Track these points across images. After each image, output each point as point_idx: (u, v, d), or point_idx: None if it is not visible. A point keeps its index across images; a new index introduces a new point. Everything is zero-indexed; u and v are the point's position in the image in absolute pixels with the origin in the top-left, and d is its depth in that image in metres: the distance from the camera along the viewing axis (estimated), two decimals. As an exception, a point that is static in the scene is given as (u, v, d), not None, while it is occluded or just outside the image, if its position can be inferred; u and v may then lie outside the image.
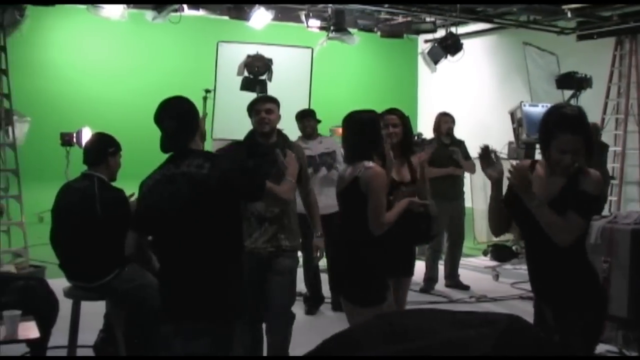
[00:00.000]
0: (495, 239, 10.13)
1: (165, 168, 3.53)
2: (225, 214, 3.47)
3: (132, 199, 5.09)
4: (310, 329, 6.12)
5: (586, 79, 11.20)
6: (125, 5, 11.47)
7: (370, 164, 4.33)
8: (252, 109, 4.87)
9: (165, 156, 3.60)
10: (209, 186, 3.36)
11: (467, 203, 8.74)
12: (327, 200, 7.11)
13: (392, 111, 5.16)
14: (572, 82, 11.16)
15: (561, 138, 3.46)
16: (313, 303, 7.20)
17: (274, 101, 4.94)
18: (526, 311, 3.50)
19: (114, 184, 5.12)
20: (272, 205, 4.65)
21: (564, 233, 3.41)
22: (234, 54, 10.19)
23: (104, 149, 5.05)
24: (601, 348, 5.63)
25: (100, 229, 4.78)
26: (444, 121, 8.24)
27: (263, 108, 4.82)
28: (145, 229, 3.73)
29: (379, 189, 4.27)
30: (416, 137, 9.63)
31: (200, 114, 3.79)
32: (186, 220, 3.39)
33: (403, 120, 5.11)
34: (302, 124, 7.22)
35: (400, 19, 13.26)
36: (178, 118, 3.56)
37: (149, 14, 11.53)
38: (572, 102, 11.21)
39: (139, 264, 4.76)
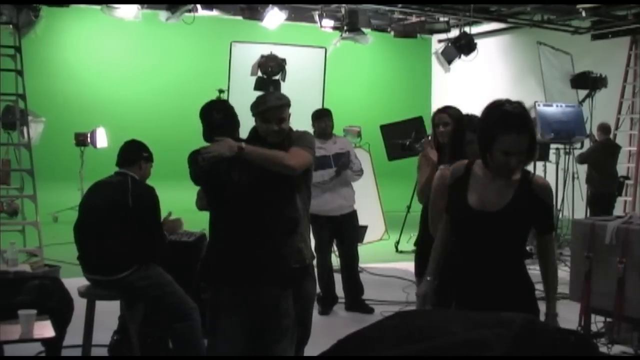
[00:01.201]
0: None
1: None
2: (279, 193, 3.97)
3: (170, 217, 5.23)
4: (324, 329, 6.12)
5: (601, 79, 11.17)
6: (139, 6, 11.51)
7: (442, 166, 4.31)
8: (262, 115, 4.04)
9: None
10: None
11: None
12: (342, 201, 7.12)
13: (443, 109, 4.99)
14: (587, 81, 11.13)
15: (504, 139, 3.19)
16: (327, 303, 7.20)
17: (287, 105, 4.12)
18: (541, 311, 3.48)
19: None
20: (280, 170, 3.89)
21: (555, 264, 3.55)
22: (248, 54, 10.22)
23: (139, 152, 5.20)
24: (616, 349, 5.61)
25: (127, 222, 4.86)
26: None
27: (274, 117, 4.01)
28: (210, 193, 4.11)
29: (434, 192, 4.24)
30: (429, 137, 9.60)
31: (225, 119, 4.12)
32: (258, 194, 3.89)
33: (454, 119, 4.86)
34: (321, 124, 7.15)
35: (413, 19, 13.25)
36: (225, 112, 4.06)
37: (162, 15, 11.58)
38: (587, 102, 11.17)
39: None
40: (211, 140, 3.90)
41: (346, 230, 7.22)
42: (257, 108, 4.05)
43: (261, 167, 3.82)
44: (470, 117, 4.81)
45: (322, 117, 7.20)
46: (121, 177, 5.08)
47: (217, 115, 3.99)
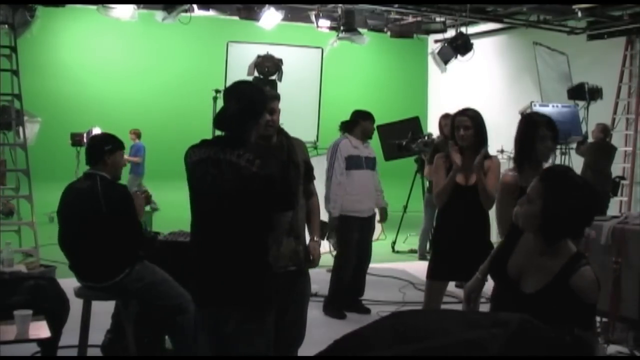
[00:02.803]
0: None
1: (213, 149, 3.51)
2: (261, 212, 3.49)
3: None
4: (320, 329, 6.11)
5: (597, 90, 11.24)
6: (135, 6, 11.50)
7: (511, 172, 4.37)
8: None
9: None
10: (254, 183, 3.38)
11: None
12: (372, 203, 7.20)
13: (463, 112, 4.92)
14: (584, 93, 11.21)
15: None
16: (336, 304, 7.17)
17: (278, 98, 4.23)
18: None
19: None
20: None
21: None
22: (244, 54, 10.20)
23: (100, 148, 4.99)
24: (612, 349, 5.61)
25: (107, 228, 4.77)
26: (444, 124, 8.26)
27: (268, 108, 3.97)
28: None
29: (502, 201, 4.34)
30: (426, 137, 9.62)
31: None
32: (226, 207, 3.44)
33: (475, 122, 4.85)
34: (369, 125, 7.17)
35: (410, 19, 13.25)
36: (243, 103, 3.50)
37: (159, 15, 11.57)
38: (583, 111, 11.23)
39: None
40: (220, 129, 3.59)
41: (368, 231, 7.25)
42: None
43: (235, 187, 3.41)
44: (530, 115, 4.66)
45: (370, 118, 7.22)
46: (90, 181, 4.89)
47: (233, 105, 3.51)
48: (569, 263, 2.88)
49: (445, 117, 8.31)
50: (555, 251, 2.92)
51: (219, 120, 3.57)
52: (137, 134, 13.36)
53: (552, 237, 2.90)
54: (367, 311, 7.19)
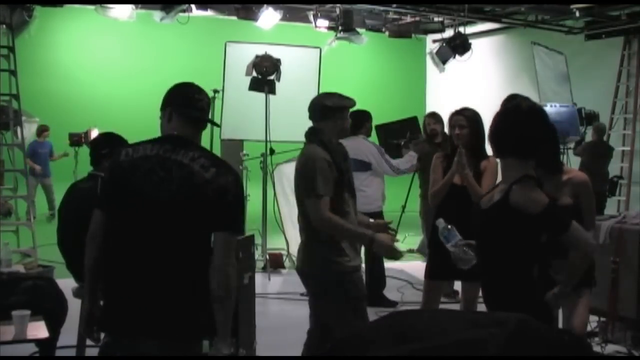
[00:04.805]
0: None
1: (162, 147, 3.02)
2: (208, 226, 2.94)
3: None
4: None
5: (594, 116, 11.36)
6: (133, 6, 11.51)
7: None
8: (347, 110, 4.20)
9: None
10: (206, 193, 2.89)
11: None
12: None
13: (459, 111, 4.91)
14: (582, 119, 11.28)
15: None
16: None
17: None
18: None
19: None
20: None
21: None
22: (242, 54, 10.19)
23: (97, 151, 4.97)
24: (610, 348, 5.62)
25: None
26: (427, 122, 8.29)
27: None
28: (113, 208, 3.13)
29: None
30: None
31: (209, 114, 3.45)
32: (171, 215, 2.91)
33: (471, 122, 4.85)
34: (370, 125, 7.33)
35: (408, 19, 13.26)
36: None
37: (157, 15, 11.57)
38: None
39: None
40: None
41: None
42: (349, 102, 4.17)
43: (182, 193, 2.90)
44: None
45: (371, 117, 7.37)
46: (92, 183, 4.74)
47: (207, 100, 3.35)
48: (515, 182, 3.14)
49: (429, 117, 8.33)
50: (513, 175, 3.18)
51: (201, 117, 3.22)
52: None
53: (499, 150, 3.28)
54: (393, 305, 7.42)
